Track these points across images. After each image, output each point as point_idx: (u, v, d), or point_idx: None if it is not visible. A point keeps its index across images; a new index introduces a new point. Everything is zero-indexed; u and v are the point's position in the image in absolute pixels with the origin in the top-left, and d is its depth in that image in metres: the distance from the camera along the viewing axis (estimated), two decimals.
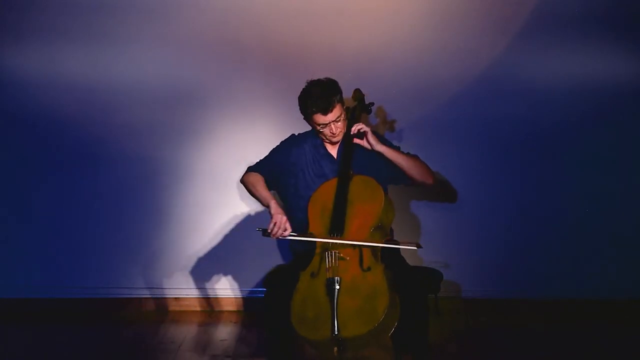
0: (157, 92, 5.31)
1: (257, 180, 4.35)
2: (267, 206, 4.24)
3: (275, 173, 4.41)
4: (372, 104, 4.51)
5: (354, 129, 4.28)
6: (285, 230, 4.12)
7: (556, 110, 5.27)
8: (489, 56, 5.24)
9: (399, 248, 4.20)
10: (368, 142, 4.29)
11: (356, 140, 4.30)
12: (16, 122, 5.35)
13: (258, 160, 4.47)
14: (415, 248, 4.06)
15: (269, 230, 4.12)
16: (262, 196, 4.30)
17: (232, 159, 5.34)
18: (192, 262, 5.40)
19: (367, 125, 4.91)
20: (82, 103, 5.31)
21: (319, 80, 4.29)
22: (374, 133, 4.36)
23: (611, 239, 5.30)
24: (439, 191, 5.28)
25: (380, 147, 4.28)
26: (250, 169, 4.44)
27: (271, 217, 4.16)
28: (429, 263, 5.00)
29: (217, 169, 5.37)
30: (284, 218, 4.14)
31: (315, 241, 4.09)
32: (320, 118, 4.23)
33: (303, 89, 4.30)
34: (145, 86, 5.30)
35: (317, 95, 4.21)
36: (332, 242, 4.03)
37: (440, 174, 5.22)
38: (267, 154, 4.48)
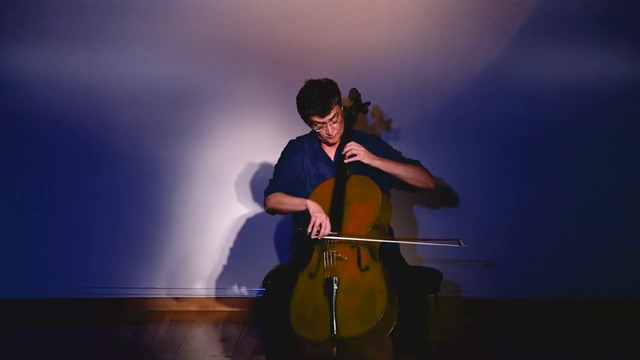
0: (157, 92, 5.30)
1: (281, 197, 4.25)
2: (305, 208, 4.11)
3: (291, 183, 4.35)
4: (369, 103, 4.51)
5: (345, 151, 4.21)
6: (325, 228, 4.02)
7: (556, 110, 5.26)
8: (489, 55, 5.23)
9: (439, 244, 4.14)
10: (363, 161, 4.23)
11: (349, 160, 4.22)
12: (16, 122, 5.35)
13: (270, 181, 4.39)
14: (456, 245, 3.99)
15: (309, 231, 4.04)
16: (294, 204, 4.18)
17: (232, 159, 5.35)
18: (191, 262, 5.41)
19: (364, 125, 4.95)
20: (82, 103, 5.31)
21: (317, 80, 4.26)
22: (366, 136, 4.38)
23: (612, 238, 5.29)
24: (441, 196, 5.28)
25: (376, 163, 4.23)
26: (268, 193, 4.32)
27: (311, 217, 4.05)
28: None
29: (216, 169, 5.37)
30: (324, 216, 4.04)
31: (362, 241, 4.02)
32: (316, 118, 4.22)
33: (301, 89, 4.27)
34: (145, 86, 5.30)
35: (314, 96, 4.18)
36: (377, 242, 4.02)
37: (442, 180, 5.23)
38: (275, 170, 4.42)
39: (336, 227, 4.05)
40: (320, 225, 4.02)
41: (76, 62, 5.28)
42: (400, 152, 4.45)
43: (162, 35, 5.25)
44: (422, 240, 4.05)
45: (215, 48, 5.26)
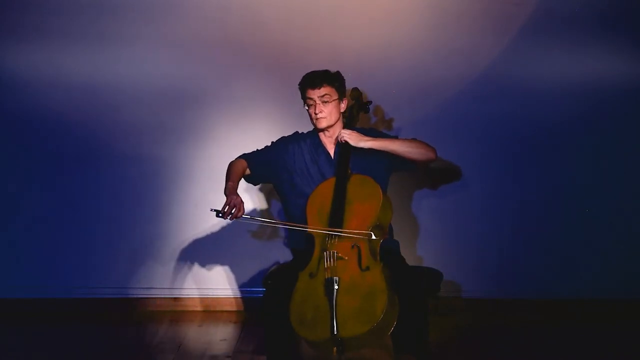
0: (157, 91, 5.31)
1: (235, 165, 4.38)
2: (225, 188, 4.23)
3: (269, 167, 4.43)
4: (370, 102, 4.51)
5: (340, 137, 4.28)
6: (239, 210, 4.09)
7: (556, 110, 5.26)
8: (489, 55, 5.24)
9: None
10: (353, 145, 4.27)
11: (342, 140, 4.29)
12: (16, 122, 5.35)
13: (255, 150, 4.49)
14: (368, 237, 3.98)
15: (223, 211, 4.09)
16: (227, 176, 4.30)
17: (232, 159, 5.32)
18: (192, 262, 5.41)
19: (366, 124, 4.95)
20: (82, 103, 5.31)
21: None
22: (365, 130, 4.40)
23: (612, 238, 5.29)
24: (443, 171, 5.28)
25: (366, 144, 4.25)
26: (241, 155, 4.46)
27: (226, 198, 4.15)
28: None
29: (217, 168, 5.31)
30: (239, 199, 4.11)
31: (297, 229, 4.12)
32: (307, 92, 4.29)
33: None
34: (145, 86, 5.30)
35: (313, 73, 4.32)
36: (298, 229, 4.08)
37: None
38: (268, 145, 4.51)
39: (337, 227, 4.04)
40: (235, 206, 4.08)
41: (76, 62, 5.29)
42: (397, 136, 4.47)
43: (162, 35, 5.26)
44: (336, 230, 4.00)
45: (215, 48, 5.27)
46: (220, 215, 4.09)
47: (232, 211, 4.10)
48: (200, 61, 5.29)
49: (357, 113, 4.45)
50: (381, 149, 4.27)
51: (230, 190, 4.18)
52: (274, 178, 4.46)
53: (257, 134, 5.27)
